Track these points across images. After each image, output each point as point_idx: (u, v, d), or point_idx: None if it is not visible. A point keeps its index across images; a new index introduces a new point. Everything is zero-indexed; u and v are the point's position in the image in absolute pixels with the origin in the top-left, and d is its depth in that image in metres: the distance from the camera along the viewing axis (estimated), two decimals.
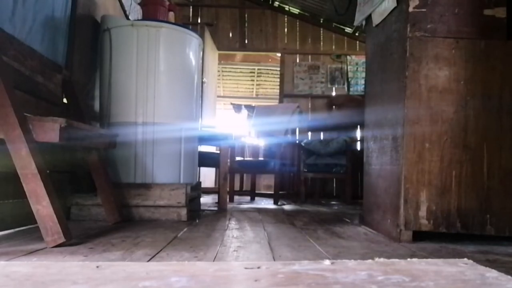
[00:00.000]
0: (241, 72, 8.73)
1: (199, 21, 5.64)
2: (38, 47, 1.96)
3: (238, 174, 4.84)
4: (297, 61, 5.80)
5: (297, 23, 5.84)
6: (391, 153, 1.95)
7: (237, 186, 4.77)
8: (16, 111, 1.40)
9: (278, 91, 5.96)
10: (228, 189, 3.56)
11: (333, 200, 4.77)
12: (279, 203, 3.85)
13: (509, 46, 1.81)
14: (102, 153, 2.17)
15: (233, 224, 2.26)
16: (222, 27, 5.76)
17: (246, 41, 5.80)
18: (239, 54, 7.70)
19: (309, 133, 5.48)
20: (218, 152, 3.36)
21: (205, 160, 3.40)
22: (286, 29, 5.83)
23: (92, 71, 2.71)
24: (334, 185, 5.37)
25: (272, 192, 4.17)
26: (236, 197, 4.42)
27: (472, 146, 1.79)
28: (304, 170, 4.31)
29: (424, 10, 1.83)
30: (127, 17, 3.27)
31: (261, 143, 5.02)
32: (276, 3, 5.86)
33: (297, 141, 4.75)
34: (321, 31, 5.83)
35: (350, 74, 5.76)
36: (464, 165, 1.78)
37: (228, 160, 3.47)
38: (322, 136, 5.35)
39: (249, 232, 1.95)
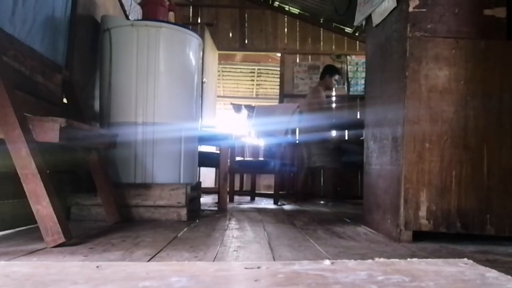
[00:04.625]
0: (241, 72, 8.72)
1: (199, 21, 5.64)
2: (38, 47, 1.96)
3: (238, 174, 4.84)
4: (297, 61, 5.80)
5: (297, 23, 5.84)
6: (391, 153, 1.95)
7: (237, 186, 4.77)
8: (16, 111, 1.40)
9: (278, 91, 5.96)
10: (228, 189, 3.56)
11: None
12: (279, 203, 3.85)
13: (509, 46, 1.81)
14: (102, 153, 2.17)
15: (233, 224, 2.26)
16: (222, 27, 5.76)
17: (246, 41, 5.80)
18: (239, 54, 7.70)
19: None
20: (218, 152, 3.36)
21: (205, 160, 3.40)
22: (286, 29, 5.83)
23: (92, 71, 2.71)
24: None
25: (272, 192, 4.17)
26: (236, 197, 4.42)
27: (472, 146, 1.79)
28: (337, 167, 4.30)
29: (424, 10, 1.83)
30: (127, 17, 3.27)
31: (261, 143, 5.01)
32: (276, 3, 5.86)
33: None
34: (321, 31, 5.83)
35: (350, 74, 5.76)
36: (464, 165, 1.78)
37: (228, 160, 3.46)
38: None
39: (249, 232, 1.95)
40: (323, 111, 4.24)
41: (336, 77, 4.44)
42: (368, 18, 2.35)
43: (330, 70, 4.40)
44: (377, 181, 2.14)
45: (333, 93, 5.70)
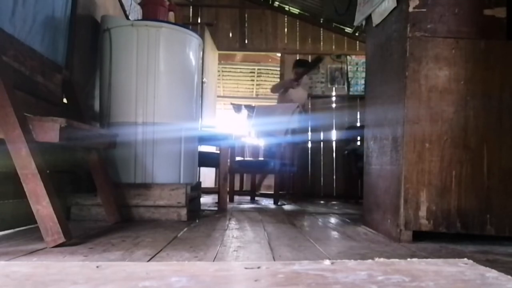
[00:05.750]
0: (241, 72, 8.73)
1: (199, 21, 5.64)
2: (38, 47, 1.96)
3: (238, 174, 4.84)
4: None
5: (297, 23, 5.84)
6: (391, 153, 1.95)
7: (237, 186, 4.77)
8: (16, 111, 1.40)
9: None
10: (228, 189, 3.56)
11: (334, 200, 4.76)
12: (279, 203, 3.85)
13: (509, 46, 1.81)
14: (102, 153, 2.17)
15: (233, 224, 2.26)
16: (222, 27, 5.76)
17: (246, 41, 5.80)
18: (239, 54, 7.70)
19: (309, 133, 5.48)
20: (218, 152, 3.36)
21: (205, 160, 3.40)
22: (286, 29, 5.83)
23: (92, 71, 2.71)
24: (334, 185, 5.39)
25: (272, 192, 4.16)
26: (236, 197, 4.42)
27: (472, 146, 1.79)
28: (356, 173, 4.30)
29: (424, 10, 1.83)
30: (127, 17, 3.27)
31: (261, 143, 5.01)
32: (276, 3, 5.86)
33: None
34: (321, 31, 5.83)
35: (350, 74, 5.76)
36: (464, 165, 1.78)
37: (228, 160, 3.46)
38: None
39: (249, 232, 1.95)
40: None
41: (299, 70, 4.54)
42: (368, 18, 2.35)
43: (297, 63, 4.50)
44: (377, 181, 2.14)
45: (333, 93, 5.71)
